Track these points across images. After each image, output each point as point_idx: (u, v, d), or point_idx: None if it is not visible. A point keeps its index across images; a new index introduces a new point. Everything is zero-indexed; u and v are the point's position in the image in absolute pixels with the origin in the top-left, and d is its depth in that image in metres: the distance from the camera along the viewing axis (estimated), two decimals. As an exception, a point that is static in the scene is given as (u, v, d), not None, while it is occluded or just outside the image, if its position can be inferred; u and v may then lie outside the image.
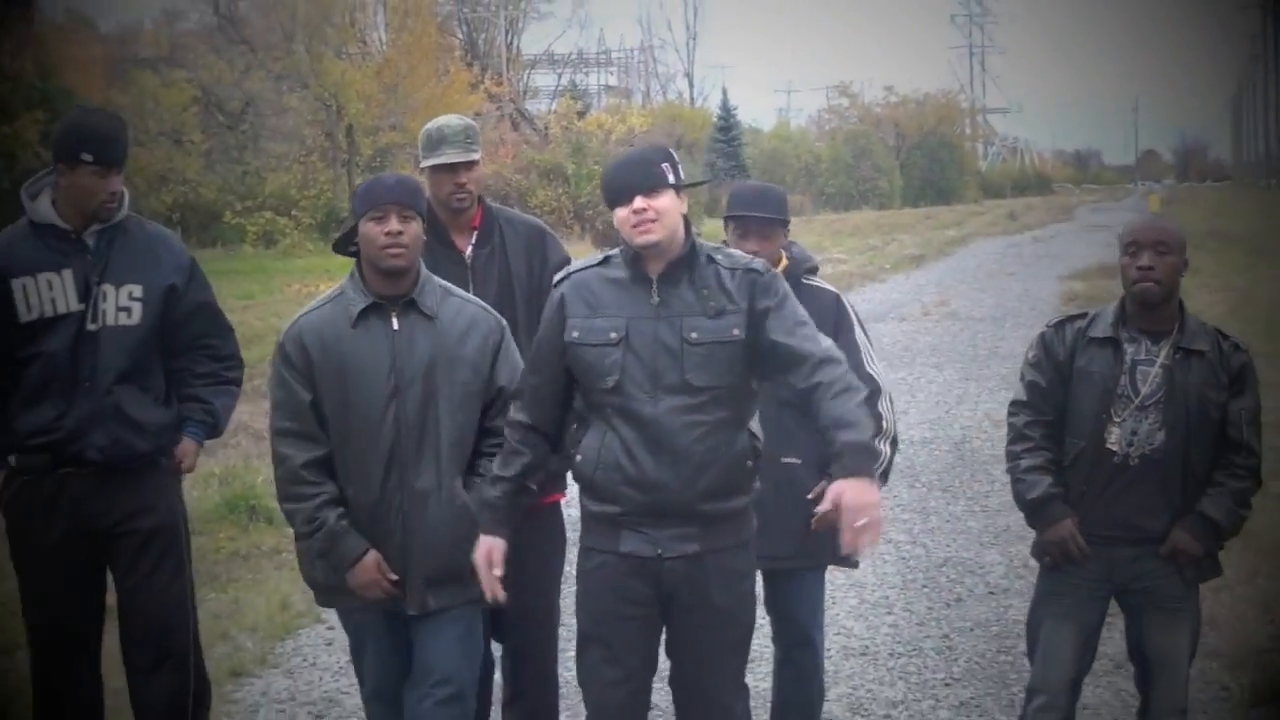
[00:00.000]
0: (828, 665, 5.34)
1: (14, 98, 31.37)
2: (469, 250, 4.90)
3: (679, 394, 3.82)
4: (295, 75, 40.99)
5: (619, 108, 56.16)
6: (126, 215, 4.69)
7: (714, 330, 3.84)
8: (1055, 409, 4.42)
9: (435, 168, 4.85)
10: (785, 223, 4.79)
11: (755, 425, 3.98)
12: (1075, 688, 4.50)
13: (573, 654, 4.14)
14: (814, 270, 4.89)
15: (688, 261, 3.89)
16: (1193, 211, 48.41)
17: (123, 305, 4.62)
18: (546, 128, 46.87)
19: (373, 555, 4.12)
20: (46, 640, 4.72)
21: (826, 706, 5.26)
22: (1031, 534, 4.59)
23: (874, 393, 4.67)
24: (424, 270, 4.23)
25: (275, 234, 36.54)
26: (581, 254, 4.69)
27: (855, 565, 5.07)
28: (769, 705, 5.03)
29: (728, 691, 4.02)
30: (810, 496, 4.61)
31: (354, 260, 4.26)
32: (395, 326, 4.13)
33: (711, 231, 24.03)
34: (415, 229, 4.13)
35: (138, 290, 4.64)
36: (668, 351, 3.84)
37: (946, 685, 6.03)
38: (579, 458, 3.94)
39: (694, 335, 3.84)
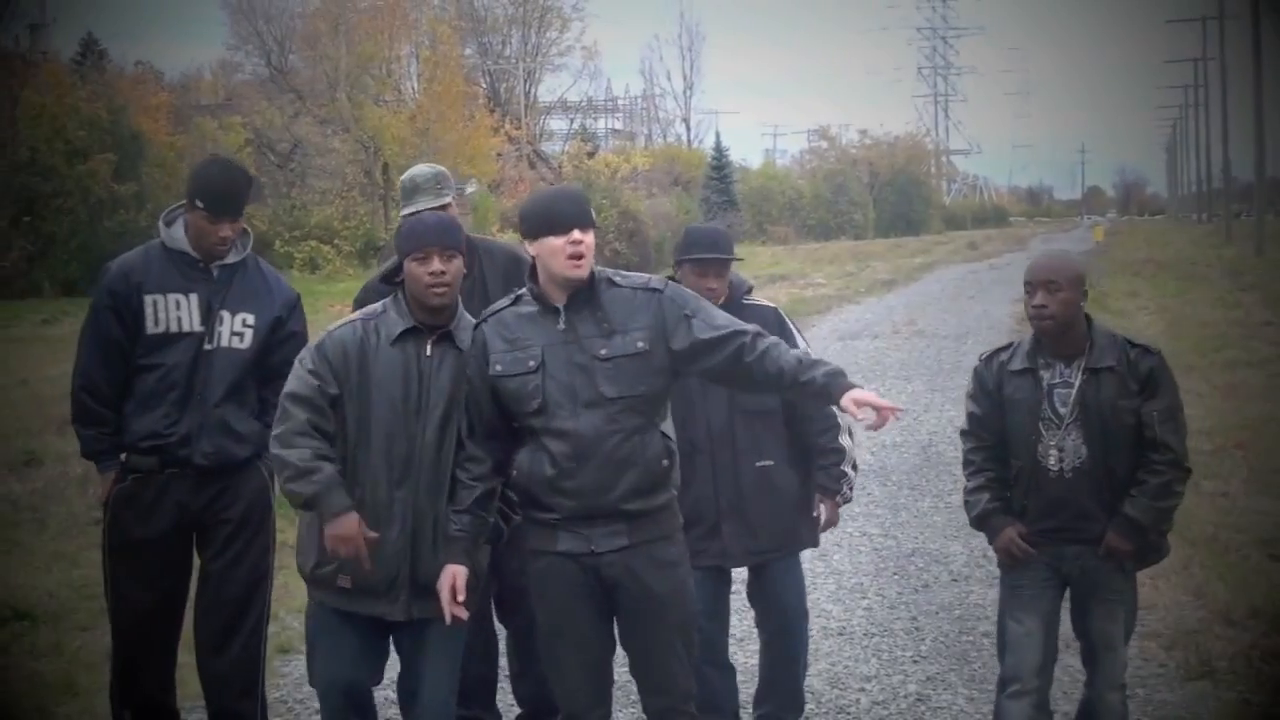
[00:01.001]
0: (809, 644, 5.33)
1: (90, 140, 31.46)
2: None
3: (596, 406, 3.79)
4: (338, 120, 41.08)
5: (624, 149, 56.25)
6: (248, 254, 4.71)
7: (620, 345, 3.81)
8: (994, 433, 4.38)
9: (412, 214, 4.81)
10: (734, 259, 4.81)
11: (668, 427, 3.92)
12: (1044, 673, 4.39)
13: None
14: (749, 291, 4.91)
15: (588, 290, 3.86)
16: (1132, 241, 48.46)
17: (236, 330, 4.62)
18: (560, 166, 46.92)
19: (356, 514, 3.87)
20: (131, 623, 4.66)
21: (808, 680, 5.26)
22: (992, 529, 4.56)
23: None
24: (461, 308, 4.11)
25: (319, 260, 36.58)
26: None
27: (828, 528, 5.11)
28: (757, 680, 5.03)
29: (681, 671, 3.93)
30: (816, 514, 4.82)
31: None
32: (428, 353, 4.01)
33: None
34: (456, 266, 4.00)
35: (251, 319, 4.64)
36: (581, 370, 3.80)
37: (915, 662, 6.02)
38: (515, 473, 3.89)
39: (603, 352, 3.80)
